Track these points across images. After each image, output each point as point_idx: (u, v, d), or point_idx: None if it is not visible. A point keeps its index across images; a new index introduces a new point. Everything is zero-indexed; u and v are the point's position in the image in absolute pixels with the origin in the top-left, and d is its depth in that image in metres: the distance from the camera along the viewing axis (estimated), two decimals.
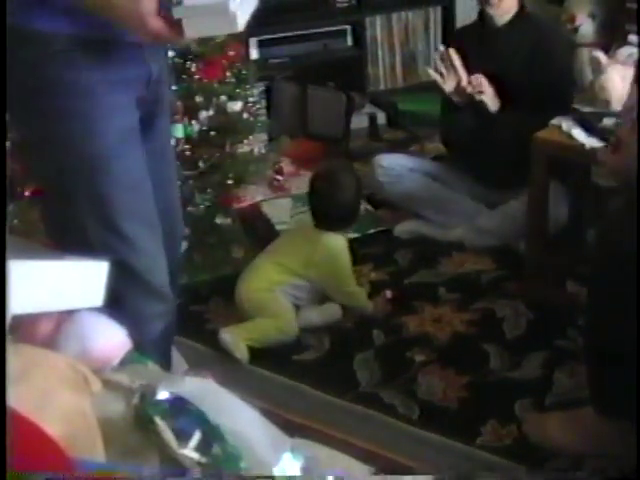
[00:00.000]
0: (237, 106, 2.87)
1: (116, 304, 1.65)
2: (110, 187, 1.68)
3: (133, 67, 1.67)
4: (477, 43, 3.05)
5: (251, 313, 2.63)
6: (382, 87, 4.41)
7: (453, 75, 3.00)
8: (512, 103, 2.93)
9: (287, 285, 2.68)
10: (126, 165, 1.70)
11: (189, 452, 1.01)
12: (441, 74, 3.02)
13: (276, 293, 2.65)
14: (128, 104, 1.68)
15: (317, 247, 2.69)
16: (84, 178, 1.66)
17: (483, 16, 3.05)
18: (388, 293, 2.79)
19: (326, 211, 2.74)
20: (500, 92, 2.95)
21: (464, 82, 2.96)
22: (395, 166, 3.22)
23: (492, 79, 2.95)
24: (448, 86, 3.01)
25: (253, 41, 4.03)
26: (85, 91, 1.60)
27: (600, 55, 2.53)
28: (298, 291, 2.70)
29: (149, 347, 1.76)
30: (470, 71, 2.97)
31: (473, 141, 3.06)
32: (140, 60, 1.68)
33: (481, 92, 2.91)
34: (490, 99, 2.94)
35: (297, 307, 2.68)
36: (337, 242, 2.72)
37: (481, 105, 2.94)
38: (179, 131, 2.71)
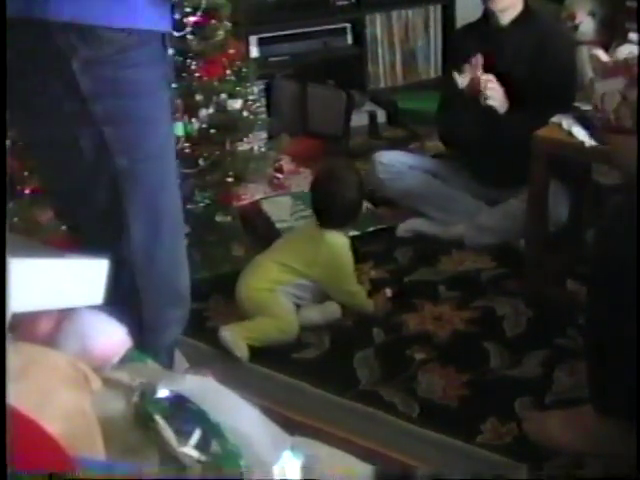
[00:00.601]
0: (237, 104, 2.87)
1: (138, 309, 1.63)
2: (158, 189, 1.63)
3: (166, 64, 1.65)
4: (480, 41, 3.03)
5: (252, 312, 2.63)
6: (382, 85, 4.41)
7: (469, 70, 2.92)
8: (515, 102, 2.91)
9: (289, 285, 2.67)
10: (170, 165, 1.67)
11: (189, 450, 1.01)
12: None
13: (277, 293, 2.65)
14: (168, 102, 1.66)
15: (320, 246, 2.69)
16: (134, 180, 1.60)
17: (487, 14, 3.04)
18: (388, 291, 2.79)
19: (329, 209, 2.73)
20: (504, 91, 2.94)
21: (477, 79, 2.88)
22: (395, 163, 3.22)
23: (495, 78, 2.93)
24: (463, 81, 2.91)
25: (253, 39, 4.03)
26: (142, 91, 1.56)
27: (600, 53, 2.53)
28: (300, 290, 2.70)
29: (161, 351, 1.75)
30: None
31: (474, 140, 3.05)
32: (167, 56, 1.66)
33: (488, 98, 2.87)
34: (499, 101, 2.90)
35: (298, 306, 2.68)
36: (340, 241, 2.72)
37: (489, 107, 2.90)
38: (179, 129, 2.71)
